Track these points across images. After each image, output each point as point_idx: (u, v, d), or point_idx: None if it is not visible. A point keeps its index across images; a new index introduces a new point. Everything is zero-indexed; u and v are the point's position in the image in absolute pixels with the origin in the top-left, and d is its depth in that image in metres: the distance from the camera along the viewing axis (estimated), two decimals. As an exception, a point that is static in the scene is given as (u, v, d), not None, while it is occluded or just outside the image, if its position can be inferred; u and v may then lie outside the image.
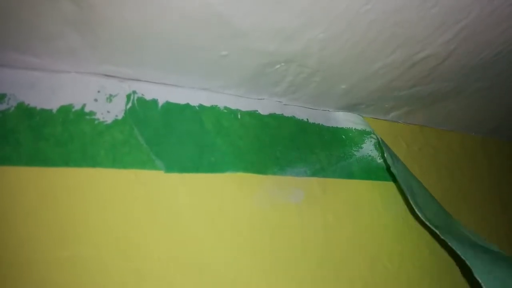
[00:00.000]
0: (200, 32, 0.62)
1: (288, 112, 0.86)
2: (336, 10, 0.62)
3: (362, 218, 0.84)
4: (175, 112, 0.73)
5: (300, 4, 0.60)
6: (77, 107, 0.65)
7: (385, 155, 0.84)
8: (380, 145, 0.87)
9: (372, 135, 0.90)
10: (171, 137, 0.71)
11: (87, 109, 0.66)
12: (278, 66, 0.74)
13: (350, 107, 0.94)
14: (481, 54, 0.81)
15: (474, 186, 1.13)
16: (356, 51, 0.73)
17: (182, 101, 0.75)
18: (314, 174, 0.82)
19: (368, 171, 0.91)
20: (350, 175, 0.87)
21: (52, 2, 0.53)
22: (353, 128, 0.93)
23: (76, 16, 0.56)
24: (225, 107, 0.79)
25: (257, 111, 0.82)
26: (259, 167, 0.76)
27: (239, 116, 0.79)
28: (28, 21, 0.55)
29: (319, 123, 0.90)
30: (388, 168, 0.86)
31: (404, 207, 0.93)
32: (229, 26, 0.62)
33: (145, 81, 0.72)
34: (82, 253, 0.58)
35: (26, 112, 0.61)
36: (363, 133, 0.93)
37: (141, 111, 0.70)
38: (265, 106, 0.83)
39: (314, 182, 0.82)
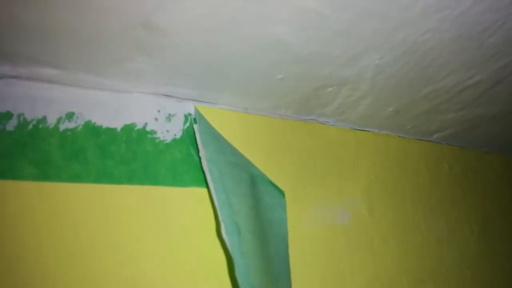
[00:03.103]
0: (261, 57, 0.64)
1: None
2: (395, 39, 0.63)
3: (408, 240, 0.84)
4: (229, 132, 0.75)
5: (360, 33, 0.61)
6: (139, 126, 0.67)
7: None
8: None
9: None
10: (226, 157, 0.73)
11: (148, 128, 0.68)
12: (330, 89, 0.76)
13: (395, 129, 0.94)
14: (532, 81, 0.81)
15: (515, 209, 1.12)
16: (409, 76, 0.74)
17: (235, 121, 0.77)
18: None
19: (412, 193, 0.91)
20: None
21: (129, 30, 0.55)
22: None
23: (146, 41, 0.58)
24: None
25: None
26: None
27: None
28: (104, 45, 0.58)
29: (365, 144, 0.91)
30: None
31: (446, 228, 0.93)
32: (289, 52, 0.64)
33: (201, 101, 0.74)
34: (147, 271, 0.60)
35: (93, 130, 0.64)
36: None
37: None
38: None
39: (361, 202, 0.82)
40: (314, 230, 0.74)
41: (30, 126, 0.60)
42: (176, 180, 0.67)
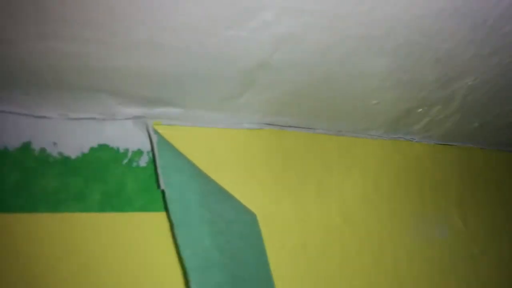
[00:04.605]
0: (361, 86, 0.68)
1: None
2: (490, 63, 0.66)
3: (504, 251, 0.86)
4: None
5: (458, 60, 0.65)
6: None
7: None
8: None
9: None
10: (326, 179, 0.78)
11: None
12: (420, 109, 0.79)
13: (478, 141, 0.97)
14: None
15: None
16: (498, 94, 0.76)
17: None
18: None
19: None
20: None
21: (246, 71, 0.61)
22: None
23: (259, 78, 0.64)
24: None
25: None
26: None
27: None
28: (220, 85, 0.64)
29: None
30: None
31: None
32: (389, 80, 0.68)
33: (300, 127, 0.80)
34: None
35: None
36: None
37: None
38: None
39: (455, 216, 0.85)
40: (416, 246, 0.78)
41: (159, 162, 0.67)
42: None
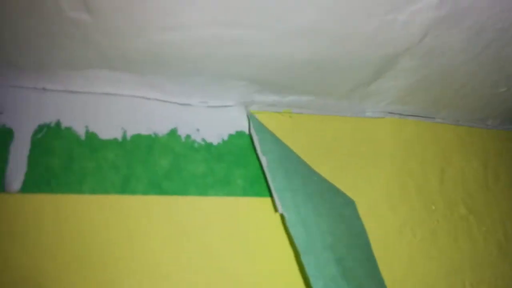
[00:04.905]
0: (498, 70, 0.67)
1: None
2: None
3: None
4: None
5: None
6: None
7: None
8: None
9: None
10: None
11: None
12: (544, 97, 0.77)
13: None
14: None
15: None
16: None
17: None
18: None
19: None
20: None
21: (390, 57, 0.60)
22: None
23: (394, 64, 0.63)
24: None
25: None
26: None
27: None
28: (353, 73, 0.64)
29: None
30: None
31: None
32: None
33: (419, 116, 0.79)
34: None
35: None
36: None
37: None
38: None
39: None
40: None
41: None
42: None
